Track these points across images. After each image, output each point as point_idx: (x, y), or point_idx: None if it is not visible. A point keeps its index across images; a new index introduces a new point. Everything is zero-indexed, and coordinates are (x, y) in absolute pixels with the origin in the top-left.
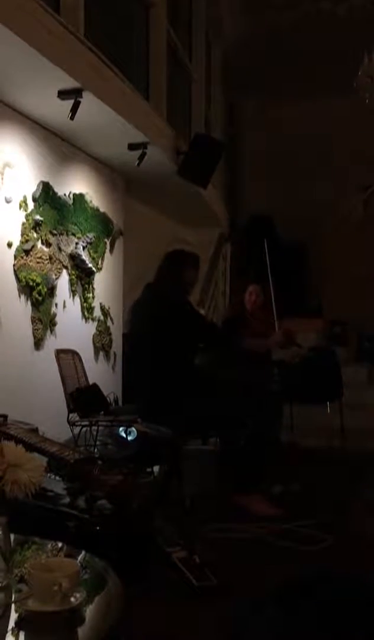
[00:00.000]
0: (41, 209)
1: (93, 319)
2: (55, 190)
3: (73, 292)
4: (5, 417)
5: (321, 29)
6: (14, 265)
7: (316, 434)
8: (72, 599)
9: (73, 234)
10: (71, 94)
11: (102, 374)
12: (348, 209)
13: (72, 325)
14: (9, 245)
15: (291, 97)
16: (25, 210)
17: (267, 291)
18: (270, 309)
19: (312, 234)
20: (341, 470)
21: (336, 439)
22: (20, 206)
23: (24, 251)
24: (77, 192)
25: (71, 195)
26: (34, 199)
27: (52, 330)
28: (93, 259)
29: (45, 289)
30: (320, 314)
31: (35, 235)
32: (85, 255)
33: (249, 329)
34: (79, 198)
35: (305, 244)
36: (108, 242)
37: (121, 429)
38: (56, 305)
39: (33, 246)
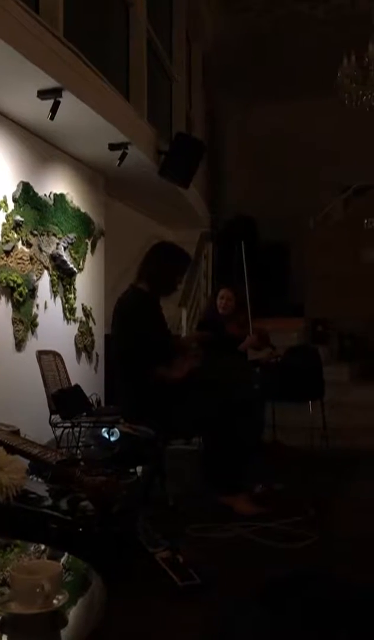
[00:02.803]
0: (21, 209)
1: (75, 320)
2: (36, 190)
3: (54, 293)
4: None
5: (301, 30)
6: None
7: (299, 433)
8: (55, 601)
9: (54, 235)
10: (51, 94)
11: (84, 375)
12: (329, 208)
13: (54, 326)
14: None
15: (272, 98)
16: (5, 211)
17: (242, 293)
18: (245, 311)
19: (294, 234)
20: (324, 468)
21: (319, 437)
22: (0, 207)
23: (5, 252)
24: (58, 192)
25: (52, 196)
26: (14, 200)
27: (33, 332)
28: (74, 259)
29: (26, 290)
30: (302, 314)
31: (15, 235)
32: (66, 256)
33: (223, 332)
34: (60, 198)
35: (287, 244)
36: (89, 243)
37: (104, 429)
38: (37, 306)
39: (13, 247)
